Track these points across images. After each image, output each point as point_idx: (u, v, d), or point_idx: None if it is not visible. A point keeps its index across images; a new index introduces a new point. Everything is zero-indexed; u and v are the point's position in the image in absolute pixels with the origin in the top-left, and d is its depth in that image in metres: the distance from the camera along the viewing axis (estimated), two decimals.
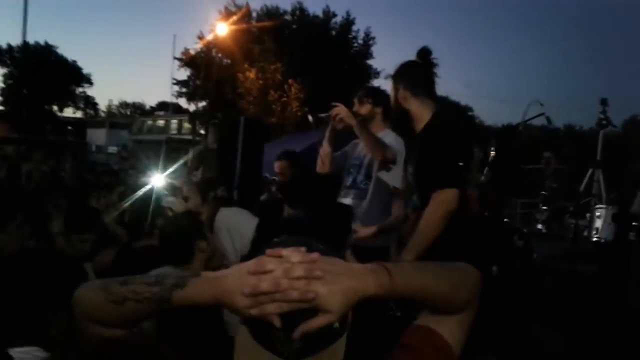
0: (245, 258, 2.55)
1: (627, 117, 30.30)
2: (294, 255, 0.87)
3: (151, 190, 4.26)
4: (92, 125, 44.55)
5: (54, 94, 45.49)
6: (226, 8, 28.15)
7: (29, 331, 1.68)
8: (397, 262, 2.46)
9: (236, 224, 3.36)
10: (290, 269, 0.85)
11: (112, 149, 31.32)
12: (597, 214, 6.00)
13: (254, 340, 0.87)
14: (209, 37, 28.18)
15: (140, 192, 4.18)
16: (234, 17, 26.59)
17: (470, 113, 41.28)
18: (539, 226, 6.73)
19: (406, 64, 2.80)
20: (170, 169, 5.54)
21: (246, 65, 24.92)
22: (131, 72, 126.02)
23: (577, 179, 7.17)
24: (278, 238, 0.95)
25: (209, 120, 23.48)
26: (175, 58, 30.04)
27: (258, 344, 0.87)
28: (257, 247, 2.58)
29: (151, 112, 53.09)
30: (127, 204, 4.10)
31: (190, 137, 30.16)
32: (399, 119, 2.86)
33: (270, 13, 28.89)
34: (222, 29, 25.97)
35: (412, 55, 2.80)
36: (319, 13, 29.25)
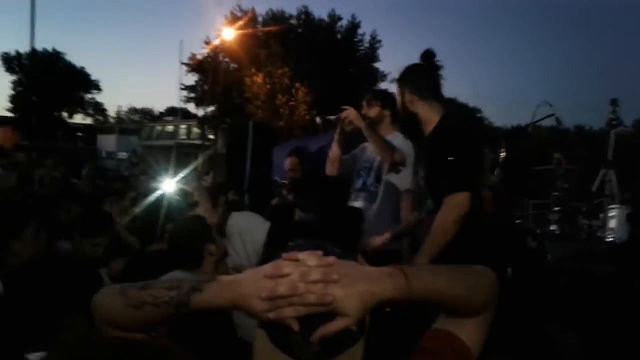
0: (260, 262, 2.56)
1: (637, 117, 30.11)
2: (310, 258, 0.87)
3: (162, 195, 4.28)
4: (102, 132, 44.91)
5: (63, 100, 45.88)
6: (232, 13, 28.28)
7: (46, 336, 1.69)
8: (412, 265, 2.45)
9: (247, 228, 3.36)
10: (307, 273, 0.85)
11: (122, 155, 31.50)
12: (611, 214, 5.95)
13: (271, 344, 0.87)
14: (216, 42, 28.33)
15: (152, 198, 4.20)
16: (240, 22, 26.70)
17: (479, 114, 41.15)
18: (552, 227, 6.69)
19: (411, 68, 2.78)
20: (181, 174, 5.56)
21: (253, 70, 25.02)
22: (139, 77, 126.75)
23: (588, 180, 7.12)
24: (293, 242, 0.95)
25: (218, 125, 23.56)
26: (182, 63, 30.22)
27: (276, 347, 0.86)
28: (270, 251, 2.58)
29: (160, 117, 53.38)
30: (138, 209, 4.12)
31: (199, 142, 30.30)
32: (407, 123, 2.84)
33: (276, 17, 28.99)
34: (229, 34, 26.10)
35: (418, 58, 2.78)
36: (325, 17, 29.34)
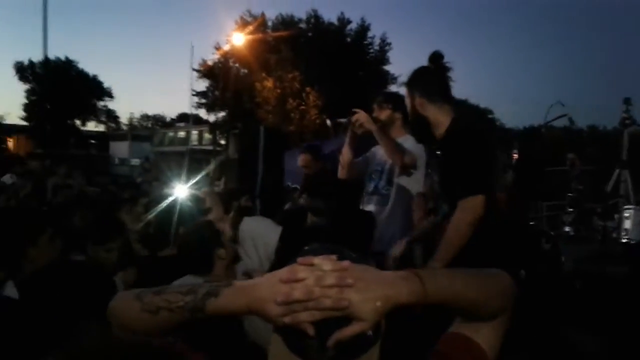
0: (272, 267, 2.56)
1: None
2: (325, 263, 0.86)
3: (175, 201, 4.30)
4: (115, 139, 45.27)
5: (76, 108, 46.32)
6: (242, 18, 28.43)
7: (61, 342, 1.70)
8: (427, 269, 2.42)
9: (259, 233, 3.37)
10: (322, 277, 0.85)
11: (135, 162, 31.71)
12: (626, 214, 5.88)
13: (287, 348, 0.87)
14: (226, 47, 28.47)
15: (165, 204, 4.23)
16: (250, 27, 26.82)
17: (490, 116, 40.93)
18: (566, 228, 6.62)
19: (419, 71, 2.75)
20: (193, 180, 5.59)
21: (263, 75, 25.12)
22: (151, 84, 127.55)
23: (602, 180, 7.05)
24: (308, 246, 0.95)
25: (229, 130, 23.69)
26: (193, 69, 30.39)
27: (291, 352, 0.87)
28: (282, 256, 2.58)
29: (172, 123, 53.72)
30: (151, 215, 4.15)
31: (211, 147, 30.43)
32: (417, 127, 2.79)
33: (286, 22, 29.07)
34: (239, 39, 26.22)
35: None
36: (334, 20, 29.36)
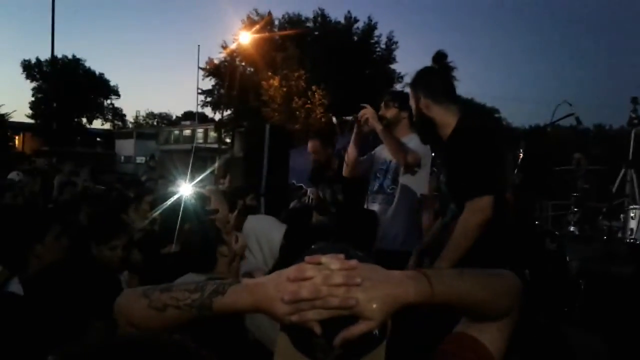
0: (277, 265, 2.57)
1: None
2: (333, 262, 0.86)
3: (180, 198, 4.31)
4: (120, 137, 45.40)
5: (82, 106, 46.50)
6: (249, 17, 28.48)
7: (67, 340, 1.71)
8: (434, 268, 2.40)
9: (263, 231, 3.37)
10: (329, 276, 0.84)
11: (140, 159, 31.80)
12: (632, 214, 5.87)
13: (293, 347, 0.87)
14: (233, 46, 28.50)
15: (170, 201, 4.23)
16: (257, 26, 26.84)
17: (496, 115, 40.81)
18: (572, 228, 6.60)
19: (422, 71, 2.71)
20: (198, 178, 5.60)
21: (269, 73, 25.13)
22: (157, 83, 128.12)
23: (608, 180, 7.02)
24: (315, 245, 0.95)
25: (235, 128, 23.74)
26: (200, 68, 30.45)
27: (298, 351, 0.87)
28: (288, 254, 2.58)
29: (177, 122, 53.86)
30: (157, 212, 4.15)
31: (216, 145, 30.48)
32: (422, 128, 2.76)
33: (292, 20, 29.08)
34: (245, 38, 26.24)
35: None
36: (341, 19, 29.35)
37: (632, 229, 5.82)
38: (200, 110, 35.72)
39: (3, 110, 31.67)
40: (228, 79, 27.22)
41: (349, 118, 3.48)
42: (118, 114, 54.62)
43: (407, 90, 2.83)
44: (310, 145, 4.55)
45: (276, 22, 29.26)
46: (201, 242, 2.42)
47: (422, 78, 2.70)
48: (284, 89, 24.73)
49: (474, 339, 0.98)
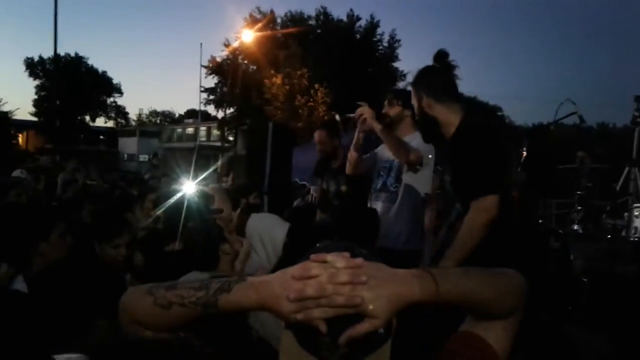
0: (280, 263, 2.57)
1: None
2: (338, 260, 0.86)
3: (183, 196, 4.31)
4: (123, 135, 45.51)
5: (85, 104, 46.60)
6: (251, 15, 28.52)
7: (71, 338, 1.71)
8: (440, 267, 2.38)
9: (266, 229, 3.37)
10: (335, 274, 0.84)
11: (143, 157, 31.86)
12: (635, 213, 5.86)
13: (298, 345, 0.87)
14: (235, 44, 28.52)
15: (173, 199, 4.24)
16: (259, 24, 26.85)
17: (499, 113, 40.76)
18: (575, 227, 6.59)
19: (424, 71, 2.68)
20: (201, 176, 5.59)
21: (272, 71, 25.14)
22: (160, 81, 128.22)
23: (612, 178, 7.00)
24: (320, 243, 0.95)
25: (237, 126, 23.73)
26: (202, 66, 30.47)
27: (303, 349, 0.86)
28: (291, 252, 2.58)
29: (180, 120, 53.92)
30: (160, 210, 4.16)
31: (219, 143, 30.53)
32: (425, 127, 2.72)
33: (295, 19, 29.11)
34: (248, 36, 26.26)
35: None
36: (343, 17, 29.35)
37: (636, 228, 5.81)
38: (203, 108, 35.83)
39: (6, 108, 31.82)
40: (231, 77, 27.24)
41: (352, 115, 3.48)
42: (121, 112, 54.78)
43: (410, 88, 2.81)
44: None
45: (278, 20, 29.30)
46: (204, 241, 2.42)
47: (424, 77, 2.67)
48: (287, 87, 24.73)
49: (480, 338, 0.98)
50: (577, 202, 6.83)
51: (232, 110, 30.51)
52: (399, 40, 29.76)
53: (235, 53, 29.11)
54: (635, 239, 5.73)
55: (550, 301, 4.20)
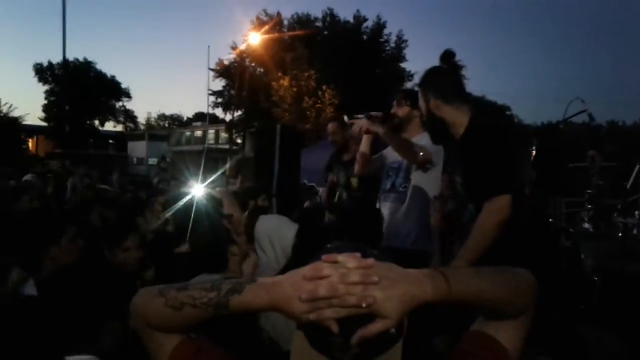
0: (289, 264, 2.57)
1: None
2: (349, 260, 0.86)
3: (192, 199, 4.33)
4: (132, 138, 45.74)
5: (94, 108, 46.88)
6: (258, 18, 28.57)
7: (82, 340, 1.73)
8: (451, 267, 2.36)
9: (275, 230, 3.38)
10: (346, 275, 0.84)
11: (153, 161, 32.01)
12: None
13: (310, 345, 0.87)
14: (242, 46, 28.59)
15: (182, 202, 4.25)
16: (266, 27, 26.89)
17: (508, 112, 40.60)
18: (586, 225, 6.54)
19: (431, 71, 2.66)
20: (210, 179, 5.62)
21: (279, 73, 25.17)
22: (168, 84, 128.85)
23: (623, 176, 6.94)
24: (331, 244, 0.95)
25: (245, 129, 23.82)
26: (210, 69, 30.57)
27: (314, 349, 0.87)
28: (300, 253, 2.58)
29: (189, 123, 54.13)
30: (170, 213, 4.17)
31: (227, 146, 30.61)
32: (433, 128, 2.70)
33: (302, 20, 29.13)
34: (255, 39, 26.30)
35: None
36: (350, 18, 29.34)
37: None
38: (211, 111, 35.92)
39: (16, 114, 32.11)
40: (238, 80, 27.29)
41: (361, 116, 3.48)
42: (130, 116, 55.01)
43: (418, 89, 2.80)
44: (329, 126, 4.58)
45: (285, 23, 29.33)
46: (212, 244, 2.43)
47: (431, 78, 2.65)
48: (294, 89, 24.75)
49: (491, 338, 0.98)
50: (587, 201, 6.78)
51: (239, 112, 30.58)
52: (406, 41, 29.76)
53: (242, 56, 29.17)
54: None
55: (561, 300, 4.17)
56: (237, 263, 2.47)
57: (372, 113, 3.43)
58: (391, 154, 3.63)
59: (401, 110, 3.51)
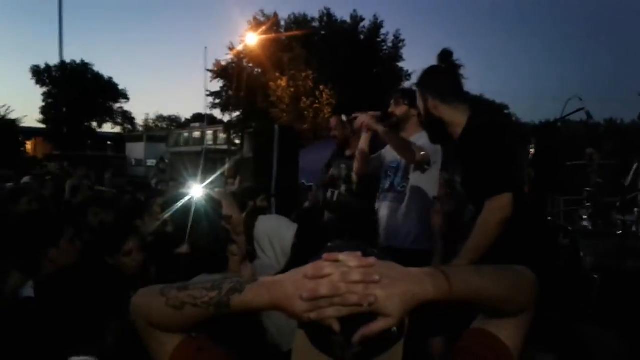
0: (289, 263, 2.57)
1: None
2: (350, 259, 0.86)
3: (191, 200, 4.33)
4: (131, 140, 45.76)
5: (92, 110, 46.86)
6: (255, 18, 28.54)
7: (82, 340, 1.72)
8: (452, 266, 2.36)
9: (275, 230, 3.38)
10: (348, 273, 0.84)
11: (151, 162, 32.01)
12: None
13: (311, 345, 0.87)
14: (239, 47, 28.60)
15: (181, 203, 4.25)
16: (263, 27, 26.89)
17: (506, 111, 40.64)
18: (584, 223, 6.54)
19: (428, 71, 2.65)
20: (209, 180, 5.62)
21: (277, 74, 25.17)
22: (166, 85, 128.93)
23: (622, 174, 6.95)
24: (332, 243, 0.95)
25: (244, 129, 23.82)
26: (207, 70, 30.56)
27: (316, 348, 0.87)
28: (299, 252, 2.58)
29: (187, 124, 54.13)
30: (168, 214, 4.17)
31: (226, 147, 30.61)
32: (432, 128, 2.69)
33: (299, 21, 29.12)
34: (252, 39, 26.31)
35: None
36: (347, 18, 29.33)
37: None
38: (209, 112, 35.91)
39: (14, 116, 32.10)
40: (236, 81, 27.30)
41: (357, 116, 3.48)
42: (128, 118, 55.00)
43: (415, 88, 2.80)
44: (331, 121, 4.58)
45: (282, 23, 29.34)
46: (212, 244, 2.43)
47: (429, 78, 2.64)
48: (292, 90, 24.75)
49: (492, 335, 0.98)
50: (586, 199, 6.79)
51: (238, 113, 30.58)
52: (403, 40, 29.75)
53: (239, 56, 29.18)
54: None
55: (561, 298, 4.18)
56: (237, 263, 2.47)
57: (370, 113, 3.43)
58: (390, 154, 3.63)
59: (399, 109, 3.51)
